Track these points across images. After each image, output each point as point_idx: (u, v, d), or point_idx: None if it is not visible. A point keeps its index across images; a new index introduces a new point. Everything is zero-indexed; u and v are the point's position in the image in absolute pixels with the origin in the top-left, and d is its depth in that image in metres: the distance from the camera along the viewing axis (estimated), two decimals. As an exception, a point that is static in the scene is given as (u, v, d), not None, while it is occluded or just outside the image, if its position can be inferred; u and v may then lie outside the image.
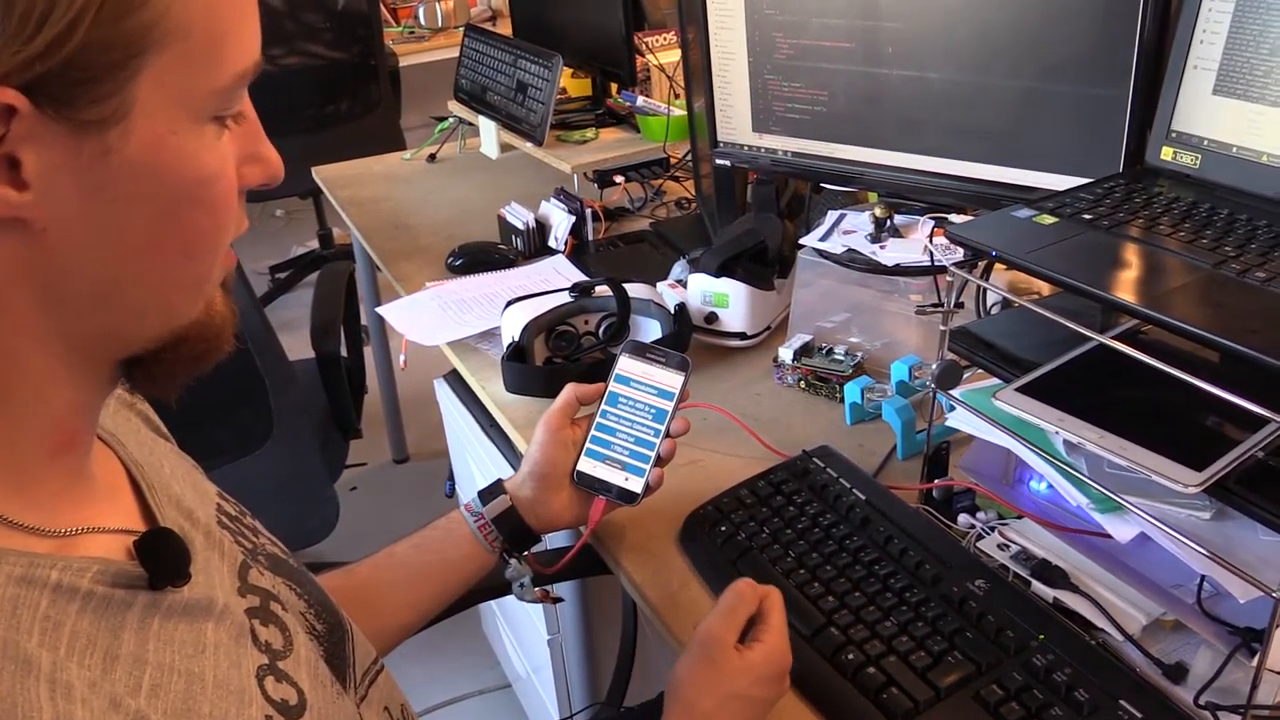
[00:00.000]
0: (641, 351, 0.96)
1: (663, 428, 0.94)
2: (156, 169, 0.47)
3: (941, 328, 0.92)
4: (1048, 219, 0.89)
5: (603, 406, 0.96)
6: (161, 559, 0.55)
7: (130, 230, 0.48)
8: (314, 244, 3.70)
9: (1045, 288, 1.13)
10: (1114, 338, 0.79)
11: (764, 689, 0.75)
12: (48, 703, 0.44)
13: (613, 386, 0.96)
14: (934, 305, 0.97)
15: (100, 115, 0.45)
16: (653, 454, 0.94)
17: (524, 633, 1.63)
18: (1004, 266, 1.03)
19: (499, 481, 0.96)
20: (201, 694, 0.52)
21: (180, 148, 0.48)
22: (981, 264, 0.99)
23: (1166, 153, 0.94)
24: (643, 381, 0.95)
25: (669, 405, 0.94)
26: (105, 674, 0.48)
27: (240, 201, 0.54)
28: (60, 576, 0.49)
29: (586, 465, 0.95)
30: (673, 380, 0.95)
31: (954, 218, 1.26)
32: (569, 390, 0.97)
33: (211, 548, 0.63)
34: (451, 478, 1.86)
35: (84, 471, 0.56)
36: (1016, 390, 0.83)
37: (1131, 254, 0.83)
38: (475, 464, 1.54)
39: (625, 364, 0.96)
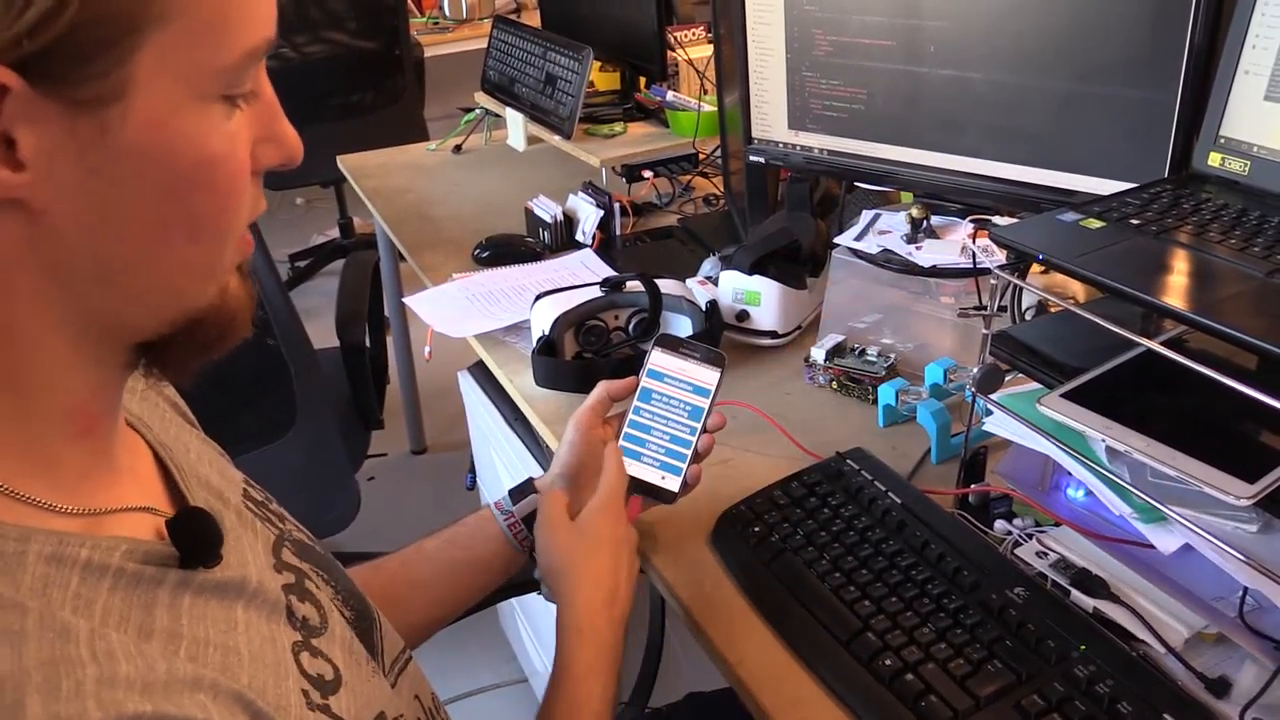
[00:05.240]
0: (674, 345, 0.94)
1: (699, 425, 0.91)
2: (158, 150, 0.46)
3: (984, 331, 0.91)
4: (1095, 223, 0.87)
5: (635, 403, 0.93)
6: (195, 538, 0.54)
7: (132, 213, 0.47)
8: (334, 233, 3.69)
9: (1081, 293, 1.11)
10: (1161, 344, 0.77)
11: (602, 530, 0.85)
12: (90, 661, 0.44)
13: (645, 382, 0.93)
14: (976, 308, 0.96)
15: (97, 94, 0.43)
16: (689, 451, 0.91)
17: (544, 628, 1.62)
18: (1037, 270, 1.01)
19: (530, 480, 0.95)
20: (239, 665, 0.52)
21: (184, 129, 0.46)
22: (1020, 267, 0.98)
23: (1214, 158, 0.93)
24: (676, 377, 0.93)
25: (705, 402, 0.92)
26: (141, 647, 0.48)
27: (256, 183, 0.52)
28: (90, 554, 0.48)
29: None
30: (708, 376, 0.92)
31: (995, 220, 1.24)
32: (601, 388, 0.95)
33: (243, 526, 0.62)
34: (473, 470, 1.85)
35: (108, 454, 0.55)
36: (1062, 396, 0.82)
37: (1182, 261, 0.82)
38: (499, 457, 1.54)
39: (657, 358, 0.94)
